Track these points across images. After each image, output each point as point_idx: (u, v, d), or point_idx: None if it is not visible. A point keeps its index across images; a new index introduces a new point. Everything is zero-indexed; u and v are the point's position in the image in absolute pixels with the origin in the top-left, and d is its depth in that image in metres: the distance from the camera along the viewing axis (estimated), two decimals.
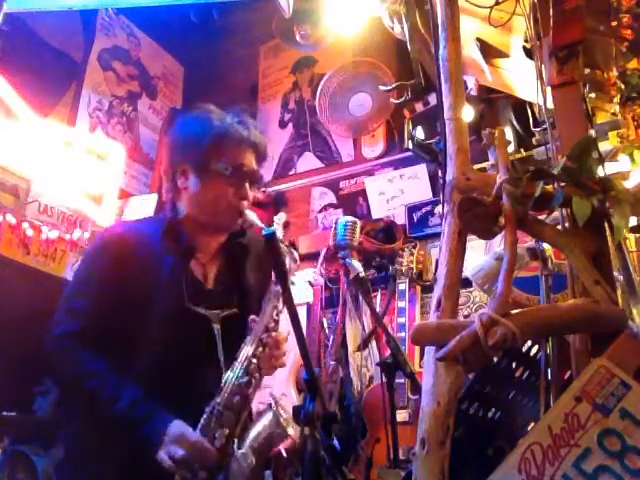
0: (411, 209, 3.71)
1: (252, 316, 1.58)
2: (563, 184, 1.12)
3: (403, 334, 3.10)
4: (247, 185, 1.61)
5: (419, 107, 3.30)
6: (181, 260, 1.57)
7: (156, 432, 1.38)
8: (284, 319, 1.61)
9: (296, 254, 1.64)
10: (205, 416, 1.43)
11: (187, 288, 1.54)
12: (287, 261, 1.58)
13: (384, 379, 2.25)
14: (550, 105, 1.37)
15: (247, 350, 1.51)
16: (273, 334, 1.56)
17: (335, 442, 1.24)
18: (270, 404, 1.58)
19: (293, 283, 1.49)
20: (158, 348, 1.48)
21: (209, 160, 1.57)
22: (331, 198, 4.20)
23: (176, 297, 1.52)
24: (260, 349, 1.53)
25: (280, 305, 1.59)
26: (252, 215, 1.59)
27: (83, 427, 1.53)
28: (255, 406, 1.62)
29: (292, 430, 1.55)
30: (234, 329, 1.58)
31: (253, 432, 1.51)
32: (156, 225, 1.64)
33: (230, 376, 1.47)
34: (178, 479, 1.36)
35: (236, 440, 1.45)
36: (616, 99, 1.63)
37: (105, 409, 1.42)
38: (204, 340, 1.56)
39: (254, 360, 1.51)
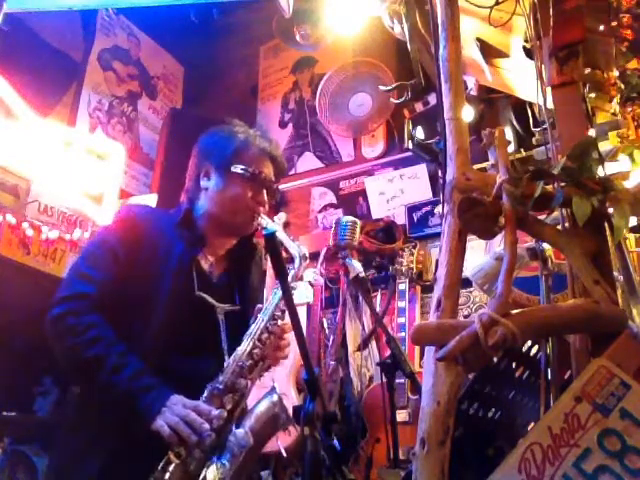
0: (411, 209, 3.71)
1: (259, 305, 1.62)
2: (563, 184, 1.12)
3: (403, 334, 3.11)
4: (265, 192, 1.69)
5: (419, 107, 3.30)
6: (191, 248, 1.61)
7: (157, 401, 1.38)
8: (284, 319, 1.63)
9: (305, 251, 1.68)
10: (206, 393, 1.45)
11: (196, 278, 1.58)
12: (297, 260, 1.64)
13: (384, 379, 2.26)
14: (550, 105, 1.37)
15: (252, 335, 1.53)
16: (279, 322, 1.59)
17: (335, 442, 1.24)
18: (273, 387, 1.59)
19: (301, 279, 1.52)
20: (164, 331, 1.50)
21: (231, 162, 1.66)
22: (331, 198, 4.20)
23: (185, 283, 1.56)
24: (265, 335, 1.55)
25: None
26: (267, 220, 1.64)
27: (82, 416, 1.52)
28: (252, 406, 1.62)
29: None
30: (235, 324, 1.61)
31: (255, 413, 1.52)
32: (172, 215, 1.69)
33: (234, 358, 1.49)
34: (172, 457, 1.35)
35: (234, 421, 1.46)
36: (616, 99, 1.63)
37: (107, 376, 1.40)
38: (209, 328, 1.59)
39: (259, 344, 1.53)
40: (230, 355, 1.53)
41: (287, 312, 1.33)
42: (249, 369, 1.51)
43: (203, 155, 1.73)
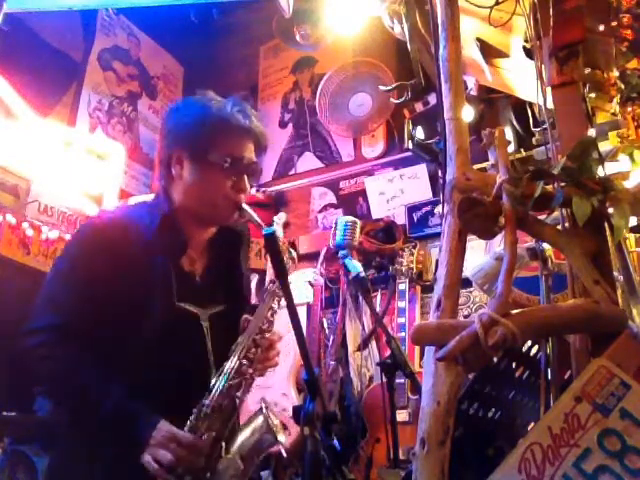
0: (411, 209, 3.71)
1: (245, 315, 1.54)
2: (563, 184, 1.12)
3: (403, 334, 3.11)
4: (245, 178, 1.54)
5: (419, 107, 3.30)
6: (172, 255, 1.51)
7: (142, 433, 1.33)
8: (284, 319, 1.63)
9: (294, 254, 1.63)
10: (192, 417, 1.39)
11: (176, 283, 1.48)
12: (285, 260, 1.55)
13: (384, 379, 2.26)
14: (550, 105, 1.37)
15: (239, 351, 1.47)
16: (267, 335, 1.52)
17: (335, 442, 1.24)
18: (261, 408, 1.55)
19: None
20: (145, 346, 1.42)
21: (207, 149, 1.49)
22: (331, 198, 4.20)
23: (165, 295, 1.46)
24: (253, 350, 1.49)
25: (276, 306, 1.57)
26: (249, 210, 1.54)
27: (71, 428, 1.48)
28: (251, 405, 1.61)
29: (283, 437, 1.52)
30: (222, 327, 1.54)
31: (242, 436, 1.48)
32: (148, 214, 1.54)
33: (220, 378, 1.43)
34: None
35: (224, 444, 1.41)
36: (616, 99, 1.63)
37: (90, 409, 1.37)
38: (193, 338, 1.50)
39: (245, 362, 1.47)
40: (217, 367, 1.46)
41: (287, 312, 1.32)
42: (236, 387, 1.45)
43: (175, 135, 1.55)
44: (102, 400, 1.35)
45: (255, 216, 1.54)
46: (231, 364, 1.45)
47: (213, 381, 1.43)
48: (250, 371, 1.47)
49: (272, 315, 1.56)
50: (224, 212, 1.53)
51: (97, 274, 1.41)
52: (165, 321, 1.44)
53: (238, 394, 1.45)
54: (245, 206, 1.53)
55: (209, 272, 1.60)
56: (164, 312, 1.45)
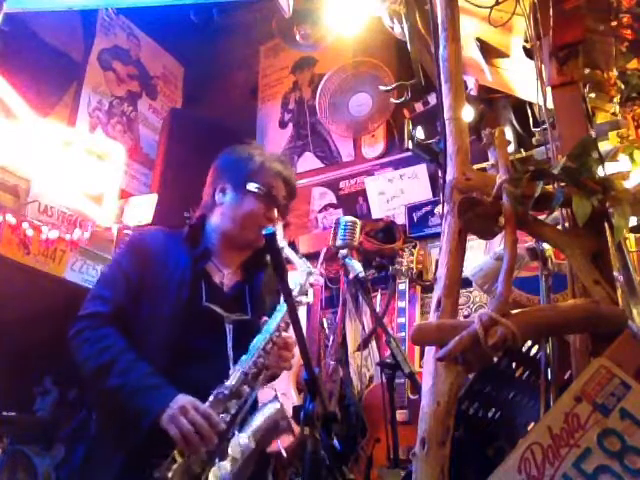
0: (411, 209, 3.71)
1: (264, 317, 1.66)
2: (563, 184, 1.12)
3: (403, 334, 3.11)
4: (275, 210, 1.76)
5: (419, 107, 3.31)
6: (196, 260, 1.70)
7: (163, 398, 1.46)
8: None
9: (312, 269, 1.74)
10: (211, 398, 1.50)
11: (205, 289, 1.67)
12: (303, 275, 1.70)
13: (384, 379, 2.25)
14: (550, 105, 1.37)
15: (258, 345, 1.58)
16: (283, 334, 1.63)
17: (335, 442, 1.24)
18: (276, 396, 1.65)
19: (306, 294, 1.70)
20: (171, 340, 1.58)
21: (247, 180, 1.75)
22: (331, 198, 4.20)
23: (191, 293, 1.63)
24: (270, 345, 1.60)
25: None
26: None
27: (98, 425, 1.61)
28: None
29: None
30: (244, 333, 1.66)
31: (257, 419, 1.56)
32: (181, 232, 1.79)
33: (239, 366, 1.55)
34: (177, 455, 1.40)
35: (237, 426, 1.51)
36: (616, 99, 1.62)
37: (115, 379, 1.49)
38: (217, 336, 1.64)
39: (263, 354, 1.58)
40: (235, 363, 1.58)
41: (287, 312, 1.32)
42: (253, 377, 1.55)
43: (221, 172, 1.83)
44: (129, 371, 1.50)
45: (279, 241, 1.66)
46: (249, 356, 1.57)
47: (232, 369, 1.56)
48: (265, 365, 1.59)
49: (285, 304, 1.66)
50: (253, 234, 1.73)
51: (134, 276, 1.65)
52: (191, 317, 1.61)
53: (254, 384, 1.56)
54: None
55: (239, 287, 1.77)
56: (191, 309, 1.62)
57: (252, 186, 1.75)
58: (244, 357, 1.56)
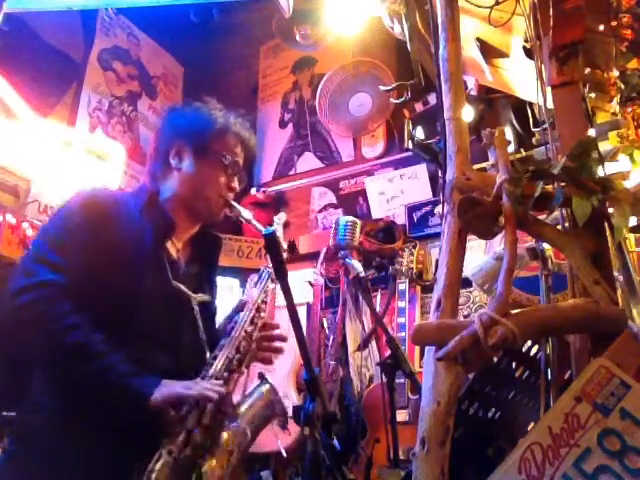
0: (411, 209, 3.72)
1: (242, 297, 1.59)
2: (563, 184, 1.12)
3: (403, 334, 3.11)
4: (236, 179, 1.63)
5: (419, 107, 3.31)
6: (161, 234, 1.51)
7: (151, 381, 1.30)
8: (284, 320, 1.63)
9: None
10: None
11: (168, 265, 1.49)
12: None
13: (384, 379, 2.26)
14: (550, 105, 1.37)
15: (240, 327, 1.49)
16: (262, 314, 1.56)
17: (335, 442, 1.24)
18: (264, 377, 1.58)
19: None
20: (143, 325, 1.40)
21: (211, 146, 1.58)
22: (331, 198, 4.20)
23: (159, 272, 1.46)
24: (251, 327, 1.52)
25: (270, 286, 1.62)
26: (238, 206, 1.60)
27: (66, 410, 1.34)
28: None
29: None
30: (205, 316, 1.56)
31: (250, 407, 1.50)
32: (135, 197, 1.57)
33: (220, 351, 1.44)
34: (164, 453, 1.25)
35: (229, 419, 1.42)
36: (616, 99, 1.63)
37: (90, 363, 1.29)
38: (186, 318, 1.51)
39: (245, 336, 1.49)
40: (209, 346, 1.49)
41: (287, 312, 1.32)
42: (238, 362, 1.46)
43: (176, 132, 1.61)
44: (106, 354, 1.30)
45: (244, 212, 1.59)
46: (232, 339, 1.47)
47: (214, 353, 1.44)
48: (249, 348, 1.50)
49: (267, 296, 1.60)
50: (215, 207, 1.58)
51: (88, 243, 1.38)
52: (161, 299, 1.45)
53: (239, 368, 1.46)
54: (234, 203, 1.61)
55: (191, 265, 1.61)
56: (159, 289, 1.45)
57: (216, 152, 1.57)
58: (227, 340, 1.46)
